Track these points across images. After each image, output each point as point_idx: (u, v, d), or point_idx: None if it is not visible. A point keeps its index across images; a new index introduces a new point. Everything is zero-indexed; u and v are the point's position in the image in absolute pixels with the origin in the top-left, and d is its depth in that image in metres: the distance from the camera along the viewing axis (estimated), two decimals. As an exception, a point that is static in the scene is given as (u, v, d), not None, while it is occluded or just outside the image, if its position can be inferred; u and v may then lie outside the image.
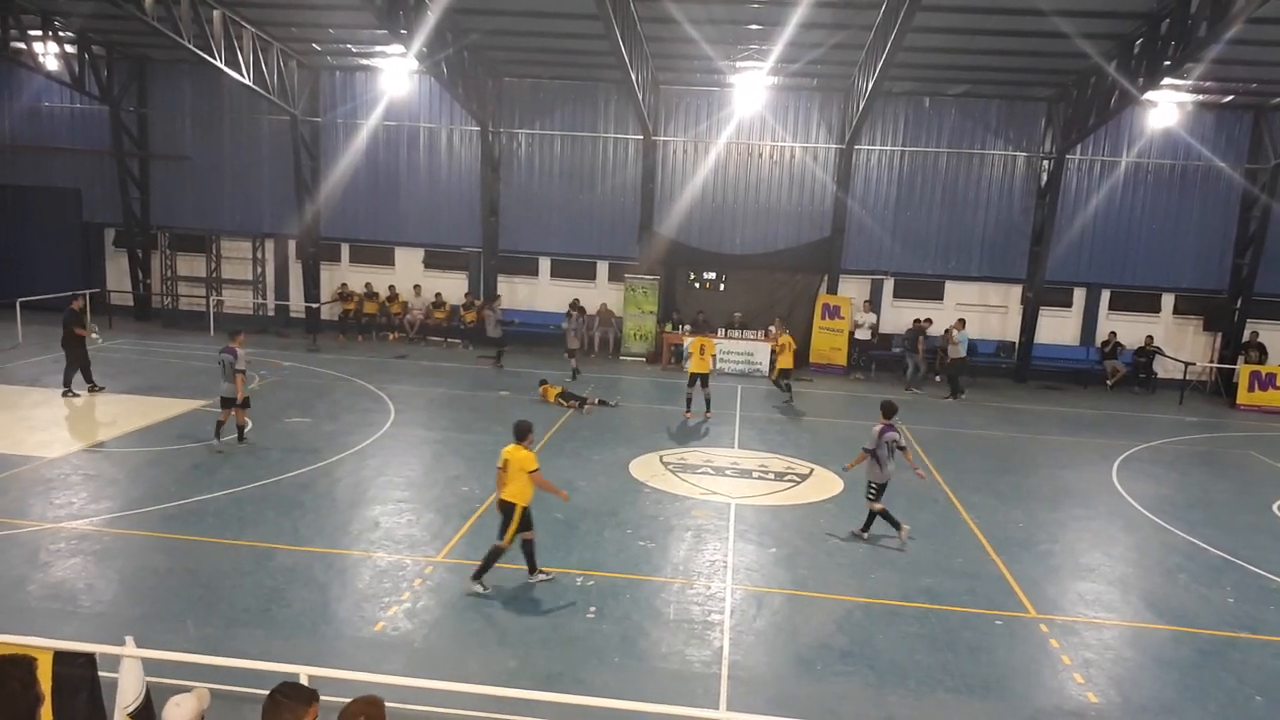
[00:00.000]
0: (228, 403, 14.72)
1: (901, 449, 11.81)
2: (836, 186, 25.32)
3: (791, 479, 14.72)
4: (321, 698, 5.92)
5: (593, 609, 9.43)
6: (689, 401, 18.66)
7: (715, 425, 18.20)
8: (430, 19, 19.06)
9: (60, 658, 5.65)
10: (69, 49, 24.64)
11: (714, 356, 19.76)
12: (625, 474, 14.47)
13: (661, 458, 15.48)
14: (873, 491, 11.87)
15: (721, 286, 26.71)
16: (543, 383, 19.42)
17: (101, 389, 17.82)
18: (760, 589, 10.22)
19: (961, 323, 23.48)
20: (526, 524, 9.85)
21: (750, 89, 24.41)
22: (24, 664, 3.10)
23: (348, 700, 4.33)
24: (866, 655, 8.74)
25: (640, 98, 22.20)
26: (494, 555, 9.81)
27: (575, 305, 25.70)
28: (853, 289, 25.98)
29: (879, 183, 25.58)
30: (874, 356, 25.53)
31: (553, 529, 11.73)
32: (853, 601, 10.01)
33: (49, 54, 24.29)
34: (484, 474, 13.90)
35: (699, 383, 18.53)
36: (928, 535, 12.26)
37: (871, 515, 11.96)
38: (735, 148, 25.73)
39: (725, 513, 12.77)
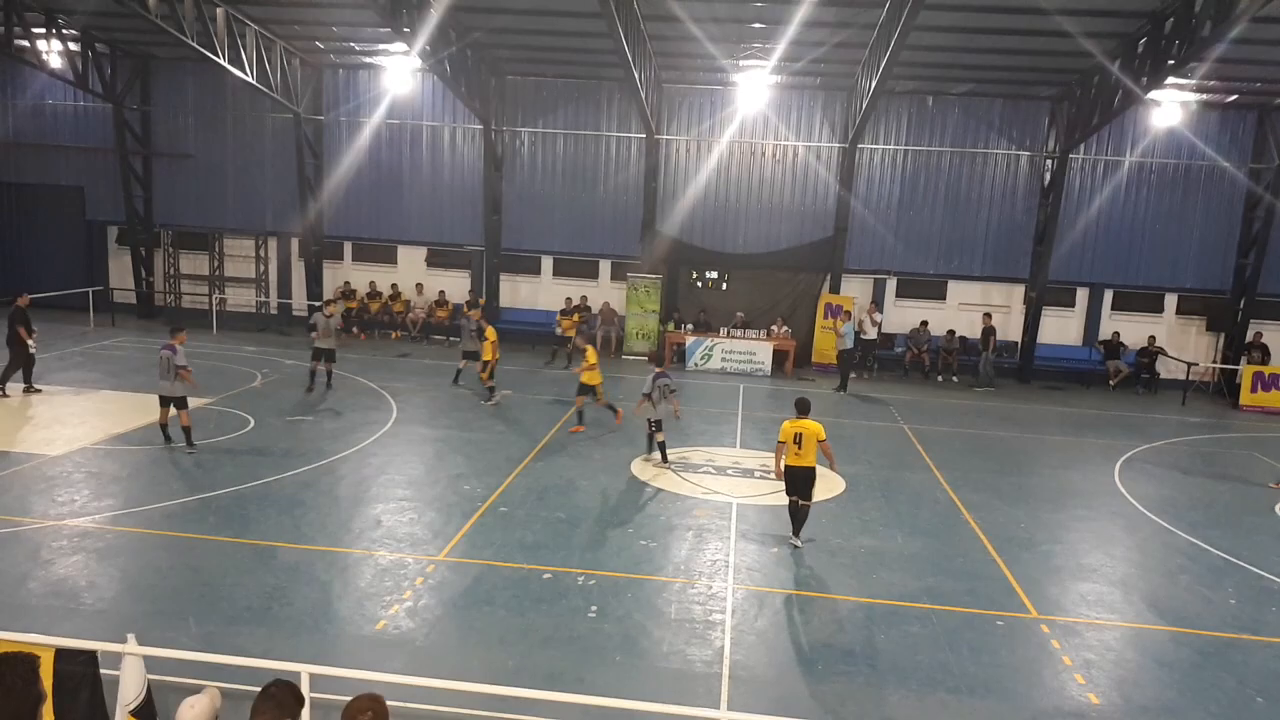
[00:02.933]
0: (166, 401, 14.35)
1: (673, 391, 14.92)
2: (839, 185, 25.31)
3: (793, 478, 14.70)
4: (324, 696, 5.94)
5: (594, 608, 9.43)
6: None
7: (717, 424, 18.20)
8: (433, 17, 19.08)
9: (62, 655, 5.66)
10: (73, 47, 24.66)
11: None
12: (627, 473, 14.48)
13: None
14: (652, 427, 15.01)
15: (724, 286, 26.70)
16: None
17: (38, 391, 17.49)
18: (762, 588, 10.22)
19: (848, 314, 23.61)
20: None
21: (753, 87, 24.40)
22: (26, 662, 3.10)
23: (349, 698, 4.33)
24: (868, 655, 8.73)
25: (643, 96, 22.20)
26: (804, 513, 11.53)
27: (581, 306, 25.81)
28: (855, 288, 25.97)
29: (882, 182, 25.57)
30: (877, 356, 25.52)
31: (554, 528, 11.75)
32: (854, 601, 10.01)
33: (52, 52, 24.29)
34: (485, 471, 13.93)
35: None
36: (929, 535, 12.26)
37: (658, 444, 14.92)
38: (738, 146, 25.72)
39: (727, 512, 12.77)
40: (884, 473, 15.17)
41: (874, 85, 19.94)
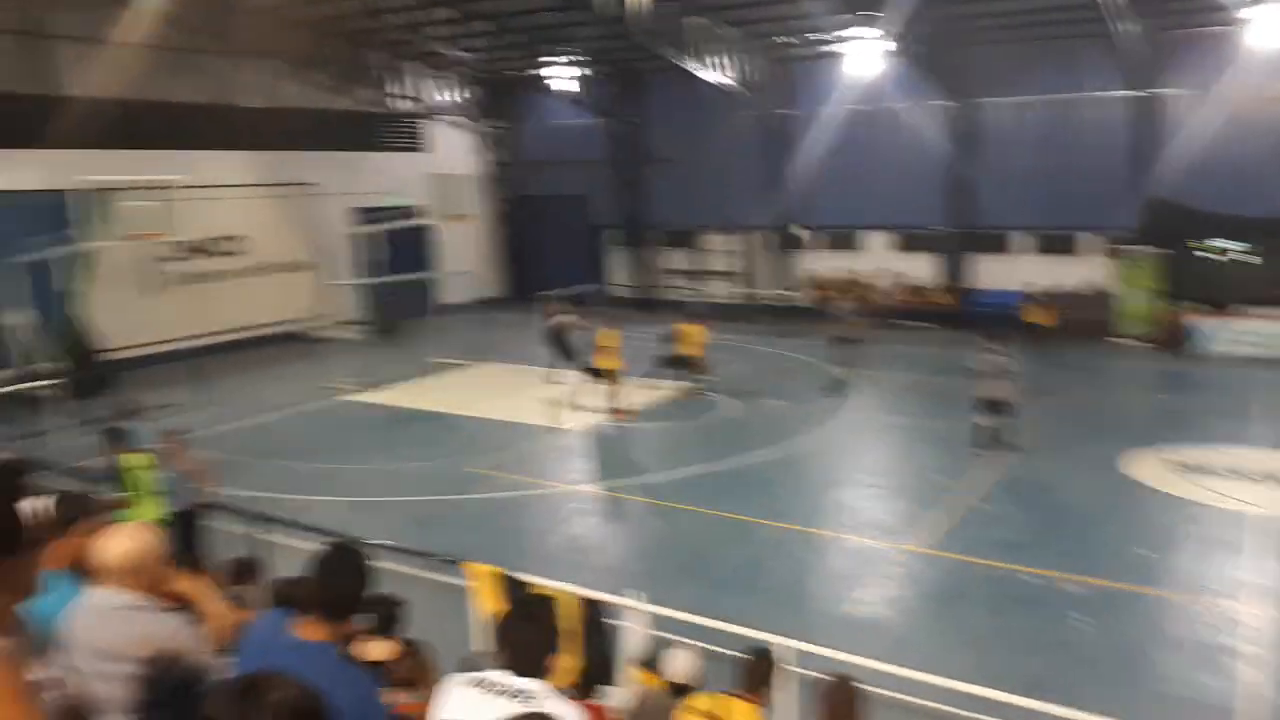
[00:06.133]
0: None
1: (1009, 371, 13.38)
2: None
3: (1343, 489, 12.15)
4: (796, 670, 6.09)
5: (1079, 616, 8.65)
6: None
7: (1243, 421, 15.54)
8: (899, -1, 18.76)
9: (584, 603, 6.52)
10: (578, 72, 28.20)
11: None
12: (1115, 471, 13.01)
13: (1163, 455, 13.64)
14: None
15: (1250, 257, 22.35)
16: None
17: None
18: (1299, 616, 8.62)
19: None
20: None
21: (1272, 23, 20.26)
22: (554, 603, 3.64)
23: (822, 675, 4.42)
24: None
25: (1128, 49, 19.69)
26: None
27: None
28: None
29: None
30: None
31: (1036, 527, 11.00)
32: None
33: (563, 78, 28.04)
34: (955, 463, 13.41)
35: None
36: None
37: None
38: (1256, 91, 21.65)
39: (1247, 523, 10.93)
40: None
41: None
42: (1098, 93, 23.53)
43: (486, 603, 6.79)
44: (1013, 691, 6.86)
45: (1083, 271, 24.52)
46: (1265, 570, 9.60)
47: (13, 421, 15.29)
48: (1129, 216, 23.21)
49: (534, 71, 26.80)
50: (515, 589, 6.64)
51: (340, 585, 3.19)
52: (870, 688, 5.05)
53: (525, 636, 3.31)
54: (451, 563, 7.64)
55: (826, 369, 19.63)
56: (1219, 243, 22.75)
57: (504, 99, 32.36)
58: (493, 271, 33.12)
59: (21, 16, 19.55)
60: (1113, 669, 7.74)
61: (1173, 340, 21.67)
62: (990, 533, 10.82)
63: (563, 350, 17.68)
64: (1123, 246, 23.08)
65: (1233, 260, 22.77)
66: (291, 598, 5.44)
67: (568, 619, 6.24)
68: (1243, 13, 20.30)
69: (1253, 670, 7.63)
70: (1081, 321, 23.74)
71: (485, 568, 6.99)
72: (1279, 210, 21.75)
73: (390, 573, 8.88)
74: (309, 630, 3.11)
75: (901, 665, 6.35)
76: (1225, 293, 22.13)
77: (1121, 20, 17.83)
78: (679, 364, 17.78)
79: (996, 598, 9.11)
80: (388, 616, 5.75)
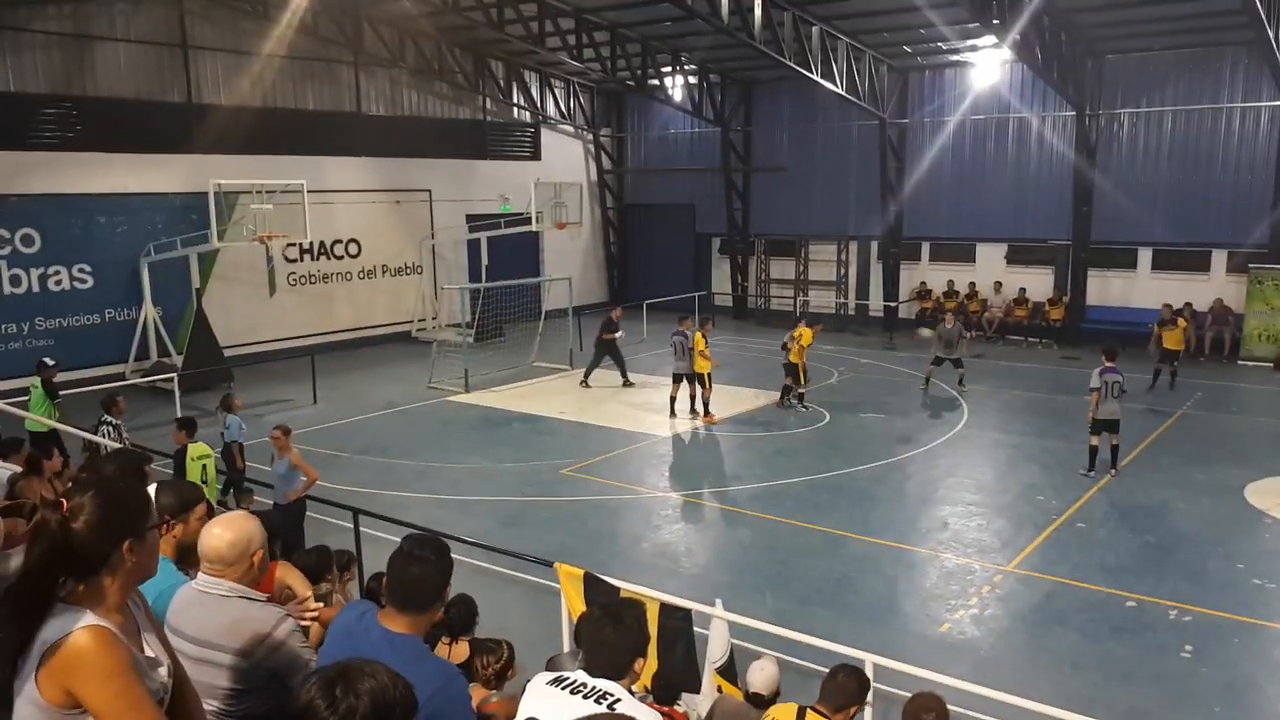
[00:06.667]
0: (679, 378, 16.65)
1: (1124, 391, 13.12)
2: None
3: None
4: (883, 687, 6.05)
5: (1189, 647, 8.27)
6: None
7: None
8: (1026, 6, 18.20)
9: (665, 609, 6.59)
10: (691, 80, 28.33)
11: None
12: (1238, 498, 12.35)
13: (1292, 484, 12.94)
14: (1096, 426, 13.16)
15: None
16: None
17: (631, 385, 19.49)
18: None
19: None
20: None
21: None
22: (638, 606, 3.70)
23: (909, 694, 4.39)
24: None
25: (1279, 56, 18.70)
26: None
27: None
28: None
29: None
30: None
31: (1142, 552, 10.57)
32: None
33: (675, 86, 28.23)
34: (1062, 484, 12.98)
35: None
36: None
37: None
38: None
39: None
40: None
41: None
42: (1241, 104, 22.39)
43: (575, 603, 6.93)
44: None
45: (1212, 290, 23.33)
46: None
47: (140, 412, 16.25)
48: (1264, 233, 22.04)
49: (649, 80, 27.04)
50: (602, 591, 6.76)
51: (421, 579, 3.23)
52: (957, 708, 4.98)
53: (609, 638, 3.34)
54: (544, 563, 7.82)
55: (933, 381, 19.23)
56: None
57: (617, 107, 32.80)
58: (599, 278, 33.54)
59: (169, 30, 20.87)
60: (1222, 704, 7.38)
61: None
62: (1094, 556, 10.43)
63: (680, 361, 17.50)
64: (1256, 265, 21.88)
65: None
66: (377, 591, 5.68)
67: (652, 623, 6.32)
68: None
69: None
70: (1210, 341, 22.68)
71: (575, 569, 7.13)
72: None
73: (482, 570, 9.23)
74: (394, 622, 3.17)
75: (994, 688, 6.21)
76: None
77: (1273, 24, 16.87)
78: (790, 370, 17.66)
79: (1096, 623, 8.78)
80: (466, 616, 5.93)
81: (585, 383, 19.71)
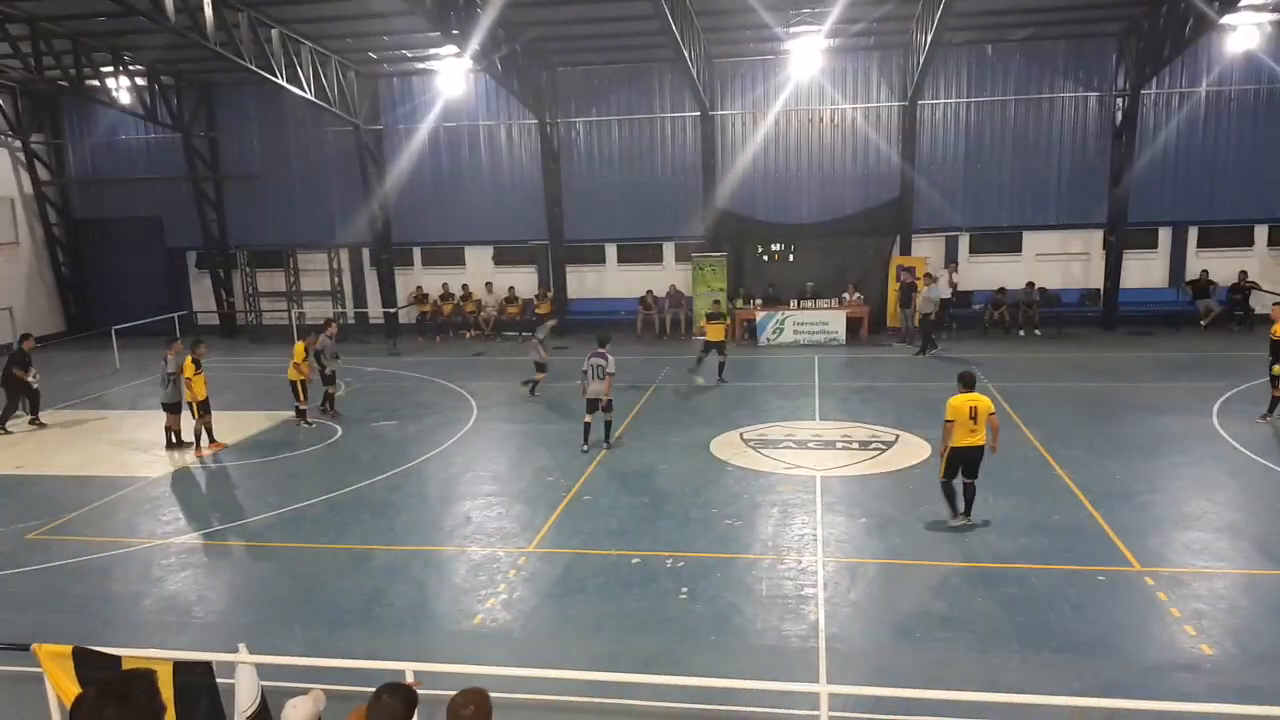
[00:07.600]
0: (170, 408, 15.63)
1: (610, 374, 14.48)
2: (901, 145, 24.82)
3: (876, 447, 14.53)
4: (427, 692, 6.06)
5: (685, 590, 9.46)
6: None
7: (794, 399, 18.05)
8: (481, 18, 19.19)
9: (180, 668, 5.89)
10: (139, 81, 25.49)
11: None
12: (706, 453, 14.46)
13: (742, 435, 15.42)
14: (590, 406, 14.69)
15: (791, 258, 26.25)
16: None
17: (43, 425, 17.62)
18: (853, 560, 10.13)
19: (930, 278, 23.43)
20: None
21: (806, 53, 23.99)
22: (146, 677, 3.24)
23: (453, 693, 4.41)
24: (966, 620, 8.60)
25: (695, 74, 22.03)
26: (972, 491, 10.82)
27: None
28: (927, 248, 25.46)
29: (946, 137, 24.98)
30: (953, 315, 24.97)
31: (639, 513, 11.82)
32: (949, 566, 9.86)
33: (121, 88, 25.18)
34: (568, 462, 14.06)
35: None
36: (1022, 493, 11.98)
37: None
38: (794, 115, 25.39)
39: (811, 486, 12.68)
40: (969, 434, 14.87)
41: (930, 39, 19.49)
42: (671, 114, 25.82)
43: (66, 688, 5.91)
44: (629, 670, 7.38)
45: (666, 277, 26.82)
46: (822, 523, 11.16)
47: None
48: (700, 225, 25.83)
49: (87, 80, 23.71)
50: (99, 665, 5.85)
51: None
52: (500, 694, 5.12)
53: (113, 718, 2.95)
54: (18, 648, 6.54)
55: (441, 383, 19.60)
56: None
57: (51, 110, 28.52)
58: (50, 305, 29.01)
59: None
60: (714, 632, 8.53)
61: (739, 332, 24.38)
62: (601, 523, 11.46)
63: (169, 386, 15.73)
64: (698, 254, 25.57)
65: (778, 260, 26.26)
66: None
67: (166, 688, 5.62)
68: (787, 44, 23.51)
69: (820, 612, 8.83)
70: (669, 322, 25.94)
71: (59, 647, 6.07)
72: (811, 217, 25.38)
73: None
74: None
75: (528, 666, 6.54)
76: (777, 288, 25.39)
77: (686, 45, 19.65)
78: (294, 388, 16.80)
79: (610, 584, 9.65)
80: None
81: (3, 428, 17.18)
